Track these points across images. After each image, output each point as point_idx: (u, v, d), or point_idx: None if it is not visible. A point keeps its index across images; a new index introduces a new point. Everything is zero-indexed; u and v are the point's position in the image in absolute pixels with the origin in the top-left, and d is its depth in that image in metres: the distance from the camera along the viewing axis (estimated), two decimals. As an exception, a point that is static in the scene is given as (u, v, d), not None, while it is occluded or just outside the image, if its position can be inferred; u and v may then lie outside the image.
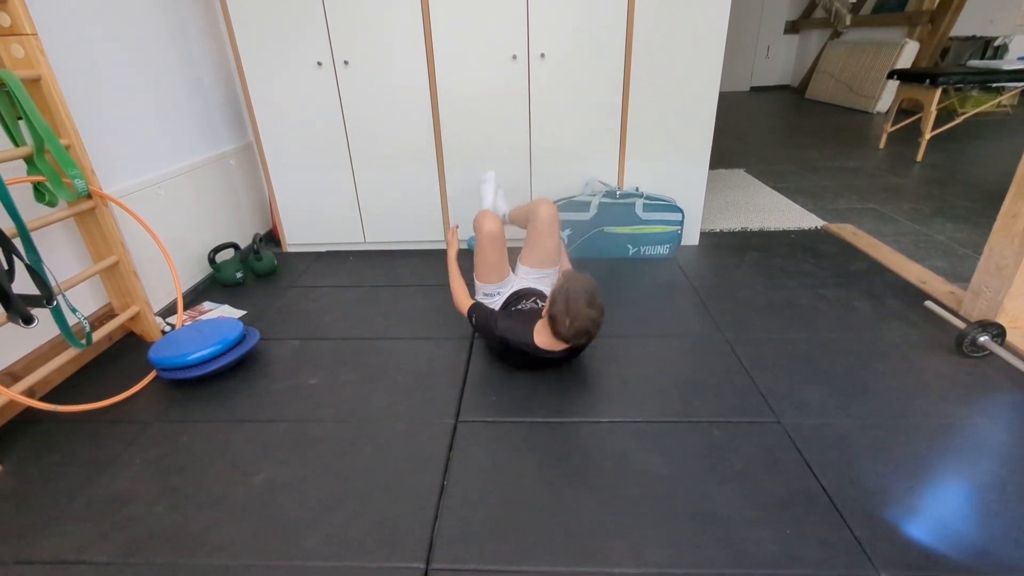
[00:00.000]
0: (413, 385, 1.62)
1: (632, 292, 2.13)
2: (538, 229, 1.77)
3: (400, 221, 2.58)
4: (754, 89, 8.26)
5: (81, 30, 1.76)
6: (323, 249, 2.69)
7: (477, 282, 1.81)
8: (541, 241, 1.78)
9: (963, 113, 4.23)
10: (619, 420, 1.43)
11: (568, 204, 2.38)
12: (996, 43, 5.28)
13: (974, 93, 4.46)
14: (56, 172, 1.53)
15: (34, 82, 1.50)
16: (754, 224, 2.76)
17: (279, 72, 2.29)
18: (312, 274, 2.43)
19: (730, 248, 2.50)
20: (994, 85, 4.07)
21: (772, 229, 2.70)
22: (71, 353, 1.59)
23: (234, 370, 1.71)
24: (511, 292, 1.77)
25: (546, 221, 1.75)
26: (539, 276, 1.81)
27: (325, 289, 2.28)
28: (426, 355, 1.77)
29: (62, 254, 1.71)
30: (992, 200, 2.93)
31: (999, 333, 1.60)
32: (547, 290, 1.75)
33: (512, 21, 2.17)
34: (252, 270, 2.40)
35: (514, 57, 2.23)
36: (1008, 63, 3.99)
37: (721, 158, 4.06)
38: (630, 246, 2.43)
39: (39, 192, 1.54)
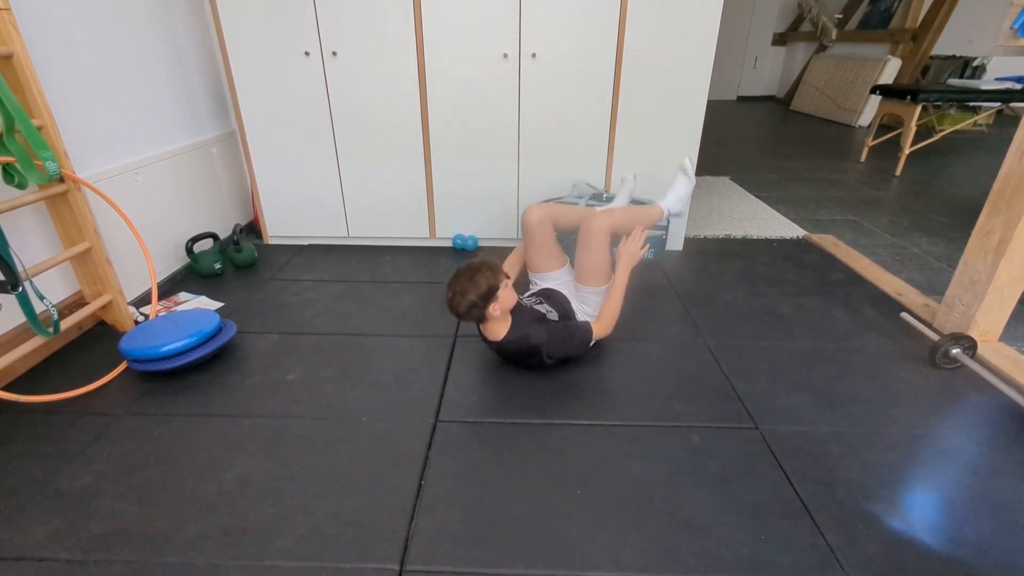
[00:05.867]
0: (393, 383, 1.60)
1: (616, 295, 2.13)
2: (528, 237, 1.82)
3: (385, 216, 2.56)
4: (741, 99, 8.38)
5: (59, 7, 1.70)
6: (305, 242, 2.65)
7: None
8: (535, 248, 1.82)
9: (941, 130, 4.33)
10: (599, 423, 1.43)
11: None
12: (975, 63, 5.44)
13: (952, 111, 4.58)
14: (27, 153, 1.48)
15: (6, 59, 1.45)
16: (738, 232, 2.80)
17: (265, 60, 2.24)
18: (293, 267, 2.39)
19: (714, 254, 2.53)
20: (971, 104, 4.18)
21: (755, 237, 2.73)
22: (37, 341, 1.53)
23: (209, 364, 1.67)
24: (539, 288, 1.82)
25: (527, 229, 1.80)
26: (542, 279, 1.85)
27: (306, 283, 2.24)
28: (407, 353, 1.75)
29: (31, 239, 1.65)
30: (967, 216, 3.01)
31: (971, 346, 1.64)
32: (564, 291, 1.78)
33: (504, 19, 2.16)
34: (231, 261, 2.35)
35: (505, 55, 2.22)
36: (985, 83, 4.10)
37: (707, 165, 4.10)
38: (615, 249, 2.43)
39: (8, 174, 1.48)
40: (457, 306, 1.49)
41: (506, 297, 1.53)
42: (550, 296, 1.75)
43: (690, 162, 2.01)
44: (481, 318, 1.53)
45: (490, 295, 1.48)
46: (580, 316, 1.74)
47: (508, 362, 1.67)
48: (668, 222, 2.06)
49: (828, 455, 1.32)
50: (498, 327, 1.56)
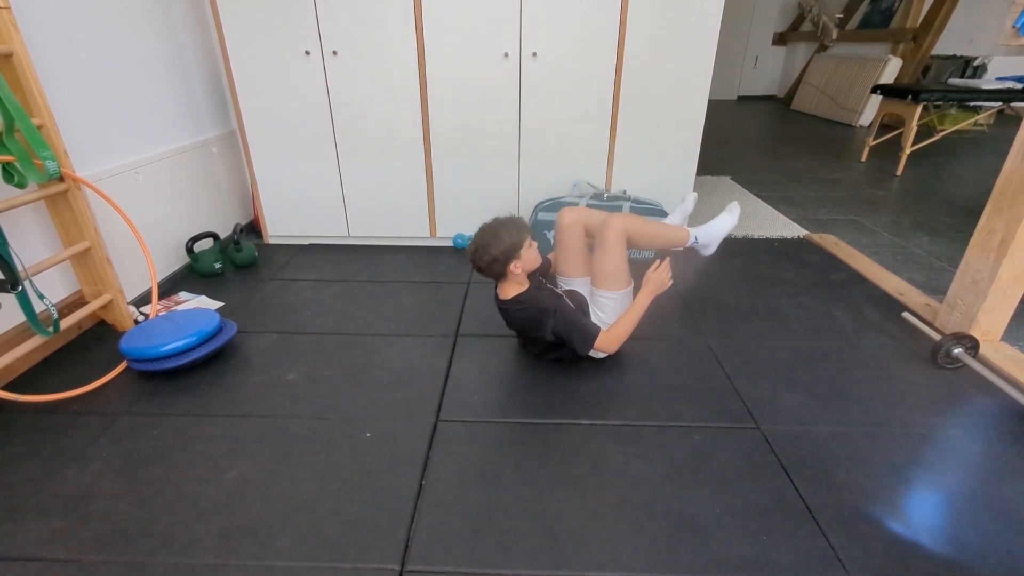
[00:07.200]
0: (394, 383, 1.59)
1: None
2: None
3: (385, 216, 2.55)
4: (741, 98, 8.37)
5: (59, 7, 1.70)
6: (306, 242, 2.64)
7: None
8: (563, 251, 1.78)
9: (942, 130, 4.33)
10: (600, 423, 1.43)
11: (555, 205, 2.38)
12: (975, 63, 5.43)
13: (953, 111, 4.57)
14: (26, 152, 1.47)
15: (6, 58, 1.44)
16: (738, 231, 2.79)
17: (266, 59, 2.24)
18: (293, 267, 2.39)
19: (714, 254, 2.51)
20: (972, 104, 4.18)
21: (756, 237, 2.73)
22: (37, 341, 1.53)
23: (209, 363, 1.66)
24: (563, 289, 1.79)
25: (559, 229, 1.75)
26: (567, 283, 1.79)
27: (306, 283, 2.24)
28: (408, 353, 1.74)
29: (31, 238, 1.65)
30: (968, 216, 3.00)
31: (972, 346, 1.63)
32: (585, 295, 1.72)
33: (505, 19, 2.16)
34: (231, 261, 2.35)
35: (506, 55, 2.21)
36: (986, 83, 4.09)
37: (707, 165, 4.09)
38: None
39: (8, 173, 1.48)
40: (479, 260, 1.50)
41: (529, 258, 1.53)
42: (571, 296, 1.71)
43: (738, 206, 1.91)
44: (501, 274, 1.54)
45: (512, 252, 1.49)
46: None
47: (511, 328, 1.68)
48: (688, 248, 1.89)
49: (830, 455, 1.32)
50: (512, 287, 1.56)
